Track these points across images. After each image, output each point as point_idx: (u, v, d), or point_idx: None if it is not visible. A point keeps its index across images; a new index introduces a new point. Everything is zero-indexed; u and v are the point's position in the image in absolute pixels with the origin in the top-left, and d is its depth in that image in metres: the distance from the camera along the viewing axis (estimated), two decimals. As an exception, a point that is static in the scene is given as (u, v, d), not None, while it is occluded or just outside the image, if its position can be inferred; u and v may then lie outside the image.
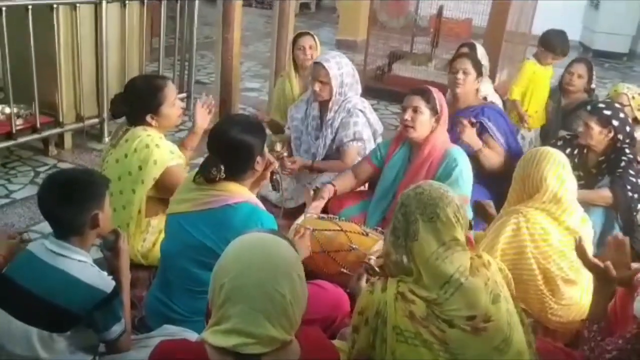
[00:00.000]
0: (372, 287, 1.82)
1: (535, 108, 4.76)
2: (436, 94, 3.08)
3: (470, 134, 3.42)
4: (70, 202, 1.99)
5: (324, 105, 3.70)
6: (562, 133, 3.88)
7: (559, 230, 2.53)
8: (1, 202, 3.64)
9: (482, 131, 3.60)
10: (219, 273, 1.47)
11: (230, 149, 2.27)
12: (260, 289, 1.42)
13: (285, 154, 3.60)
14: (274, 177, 2.55)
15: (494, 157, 3.55)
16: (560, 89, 4.62)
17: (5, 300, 1.98)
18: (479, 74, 3.67)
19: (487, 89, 4.20)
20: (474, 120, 3.51)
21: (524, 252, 2.53)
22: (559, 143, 3.51)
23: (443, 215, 1.76)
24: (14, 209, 3.56)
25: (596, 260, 2.22)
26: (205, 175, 2.28)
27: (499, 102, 4.16)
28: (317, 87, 3.58)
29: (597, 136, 3.25)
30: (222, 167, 2.25)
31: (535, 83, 4.73)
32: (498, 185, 3.49)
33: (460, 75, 3.63)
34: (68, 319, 1.96)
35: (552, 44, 4.68)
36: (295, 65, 4.27)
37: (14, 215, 3.48)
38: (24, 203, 3.64)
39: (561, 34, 4.72)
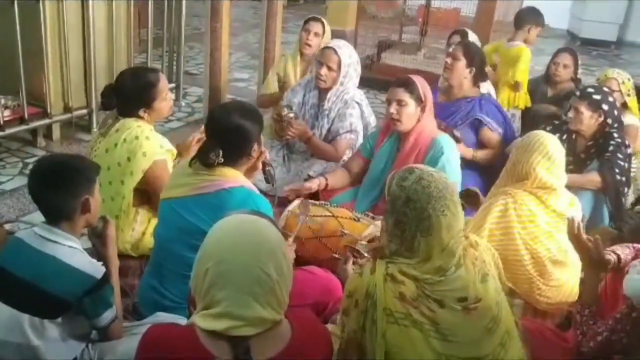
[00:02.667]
0: (361, 269, 1.82)
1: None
2: (419, 82, 3.09)
3: (460, 150, 3.41)
4: (61, 186, 1.99)
5: (322, 94, 3.69)
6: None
7: (545, 212, 2.56)
8: (-10, 193, 3.62)
9: (480, 126, 3.62)
10: (202, 259, 1.46)
11: (229, 133, 2.27)
12: (246, 271, 1.41)
13: (292, 115, 3.55)
14: (267, 168, 2.55)
15: (487, 155, 3.61)
16: (546, 80, 4.63)
17: None
18: (471, 63, 3.64)
19: (488, 84, 4.19)
20: (457, 133, 3.51)
21: (512, 232, 2.55)
22: (548, 129, 3.53)
23: (452, 207, 1.75)
24: (3, 200, 3.54)
25: (588, 240, 2.23)
26: (203, 160, 2.27)
27: (491, 91, 4.16)
28: (323, 71, 3.56)
29: (588, 121, 3.27)
30: (221, 152, 2.24)
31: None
32: (489, 170, 3.52)
33: (448, 60, 3.64)
34: (58, 305, 1.95)
35: (522, 17, 4.79)
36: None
37: (3, 207, 3.46)
38: (13, 194, 3.62)
39: (529, 8, 4.90)
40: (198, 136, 3.00)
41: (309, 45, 4.13)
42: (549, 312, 2.65)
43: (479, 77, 3.71)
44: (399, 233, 1.77)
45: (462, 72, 3.65)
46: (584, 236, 2.22)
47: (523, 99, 4.65)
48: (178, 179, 2.39)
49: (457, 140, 3.47)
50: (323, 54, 3.61)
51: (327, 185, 3.26)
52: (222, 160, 2.25)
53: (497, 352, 1.74)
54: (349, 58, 3.58)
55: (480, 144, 3.66)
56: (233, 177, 2.32)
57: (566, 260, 2.61)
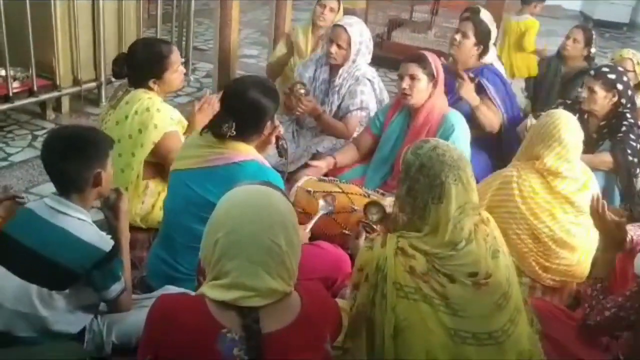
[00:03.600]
0: (371, 243, 1.81)
1: None
2: (431, 58, 3.06)
3: (468, 89, 3.40)
4: (75, 158, 1.98)
5: (334, 70, 3.66)
6: (560, 100, 3.85)
7: (548, 192, 2.55)
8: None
9: (478, 92, 3.55)
10: (211, 229, 1.45)
11: (246, 109, 2.25)
12: (256, 241, 1.40)
13: (303, 91, 3.51)
14: (280, 142, 2.54)
15: (491, 116, 3.52)
16: (558, 57, 4.58)
17: (5, 257, 1.98)
18: (480, 41, 3.60)
19: (491, 56, 4.15)
20: (472, 75, 3.47)
21: (511, 205, 2.56)
22: (560, 109, 3.49)
23: (464, 178, 1.76)
24: (12, 172, 3.55)
25: (612, 216, 2.20)
26: (215, 131, 2.25)
27: (501, 69, 4.12)
28: (333, 49, 3.53)
29: (602, 101, 3.23)
30: (234, 124, 2.22)
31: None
32: (496, 149, 3.50)
33: (457, 37, 3.59)
34: (67, 276, 1.96)
35: None
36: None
37: (13, 178, 3.47)
38: (22, 166, 3.63)
39: None
40: (199, 105, 3.01)
41: (323, 20, 4.09)
42: (558, 289, 2.64)
43: (485, 52, 3.67)
44: (411, 201, 1.77)
45: (470, 50, 3.60)
46: (608, 214, 2.20)
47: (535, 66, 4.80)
48: (188, 151, 2.38)
49: (472, 80, 3.43)
50: (333, 32, 3.57)
51: (335, 164, 3.24)
52: (234, 133, 2.23)
53: (506, 328, 1.74)
54: (360, 36, 3.54)
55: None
56: (245, 151, 2.30)
57: (570, 240, 2.59)
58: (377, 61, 6.19)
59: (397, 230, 1.82)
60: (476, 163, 3.21)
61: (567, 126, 2.55)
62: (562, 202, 2.55)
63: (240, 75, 3.88)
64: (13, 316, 1.96)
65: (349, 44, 3.50)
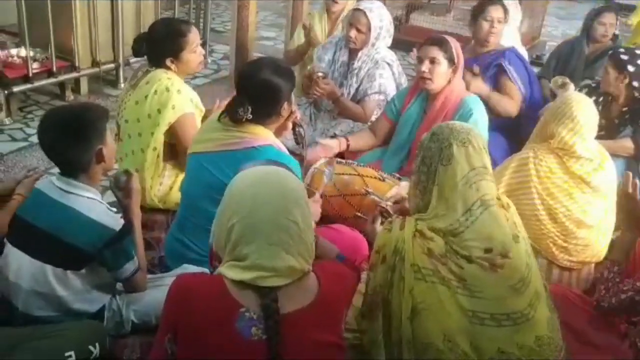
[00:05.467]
0: (390, 225, 1.82)
1: None
2: (452, 43, 3.02)
3: (475, 85, 3.38)
4: (74, 141, 1.97)
5: (353, 53, 3.64)
6: (587, 82, 3.80)
7: (564, 172, 2.54)
8: (20, 145, 3.67)
9: (499, 74, 3.54)
10: (224, 215, 1.45)
11: (260, 90, 2.24)
12: (274, 222, 1.40)
13: (321, 74, 3.51)
14: (297, 129, 2.53)
15: (505, 102, 3.50)
16: (587, 38, 4.50)
17: (19, 238, 2.01)
18: (506, 20, 3.61)
19: (514, 41, 4.10)
20: (476, 69, 3.45)
21: (528, 186, 2.56)
22: (584, 91, 3.46)
23: (475, 142, 1.80)
24: (32, 152, 3.59)
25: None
26: (231, 115, 2.25)
27: (525, 55, 4.07)
28: (352, 34, 3.50)
29: (614, 82, 3.19)
30: (250, 108, 2.22)
31: None
32: (515, 133, 3.47)
33: (496, 25, 3.54)
34: (80, 256, 1.98)
35: None
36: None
37: (33, 159, 3.51)
38: (42, 147, 3.65)
39: None
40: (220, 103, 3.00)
41: (336, 2, 4.07)
42: (575, 270, 2.63)
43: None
44: (424, 168, 1.81)
45: (502, 31, 3.62)
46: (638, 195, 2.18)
47: None
48: (206, 134, 2.38)
49: (474, 74, 3.42)
50: (353, 16, 3.54)
51: (348, 146, 3.23)
52: (251, 116, 2.23)
53: (526, 312, 1.74)
54: (380, 21, 3.51)
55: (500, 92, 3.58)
56: (262, 135, 2.30)
57: (588, 221, 2.58)
58: (394, 44, 6.15)
59: (414, 212, 1.82)
60: (495, 147, 3.21)
61: (580, 105, 2.54)
62: (579, 182, 2.55)
63: (255, 58, 3.88)
64: (31, 296, 1.99)
65: (369, 29, 3.47)
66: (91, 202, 2.01)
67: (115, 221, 2.02)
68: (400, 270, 1.74)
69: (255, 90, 2.24)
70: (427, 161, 1.81)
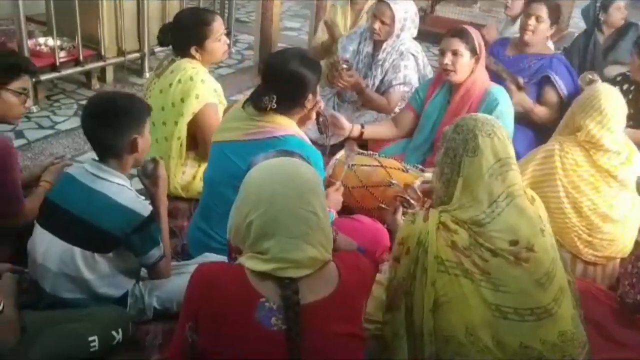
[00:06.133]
0: (414, 217, 1.81)
1: None
2: (474, 33, 2.98)
3: (520, 98, 3.32)
4: (112, 123, 2.02)
5: (377, 44, 3.61)
6: (619, 70, 3.72)
7: (591, 165, 2.49)
8: (47, 133, 3.70)
9: (546, 84, 3.46)
10: (241, 211, 1.44)
11: (286, 80, 2.23)
12: (293, 215, 1.40)
13: (345, 65, 3.50)
14: (320, 118, 2.52)
15: (546, 114, 3.44)
16: (598, 28, 4.42)
17: (49, 221, 2.05)
18: (554, 21, 3.48)
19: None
20: (521, 80, 3.38)
21: (553, 178, 2.51)
22: (618, 79, 3.39)
23: (500, 134, 1.78)
24: (59, 140, 3.63)
25: None
26: (255, 103, 2.25)
27: (550, 46, 3.99)
28: (377, 25, 3.49)
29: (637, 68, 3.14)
30: (275, 97, 2.21)
31: None
32: (542, 126, 3.41)
33: (531, 22, 3.46)
34: (108, 240, 2.01)
35: None
36: None
37: (59, 146, 3.55)
38: (69, 134, 3.70)
39: None
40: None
41: (357, 1, 4.06)
42: (600, 265, 2.59)
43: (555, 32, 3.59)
44: (448, 160, 1.79)
45: (545, 33, 3.50)
46: None
47: None
48: (230, 123, 2.39)
49: (520, 87, 3.35)
50: (377, 8, 3.52)
51: (362, 133, 3.20)
52: (275, 106, 2.22)
53: (550, 307, 1.71)
54: (404, 12, 3.48)
55: (539, 101, 3.51)
56: (285, 125, 2.29)
57: (614, 215, 2.53)
58: (420, 35, 6.11)
59: (438, 204, 1.80)
60: (520, 140, 3.19)
61: (607, 96, 2.49)
62: (605, 175, 2.49)
63: (281, 48, 3.87)
64: (59, 278, 2.03)
65: (393, 21, 3.45)
66: (121, 188, 2.04)
67: (143, 207, 2.05)
68: (423, 263, 1.73)
69: (282, 80, 2.24)
70: (450, 153, 1.79)
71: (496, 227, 1.71)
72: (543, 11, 3.45)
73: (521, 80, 3.38)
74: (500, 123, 1.84)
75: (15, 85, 2.20)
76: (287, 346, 1.36)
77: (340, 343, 1.43)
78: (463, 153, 1.76)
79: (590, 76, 3.40)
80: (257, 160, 1.58)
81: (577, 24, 7.74)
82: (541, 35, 3.51)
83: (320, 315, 1.40)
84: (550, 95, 3.47)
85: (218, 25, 2.89)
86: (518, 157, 3.09)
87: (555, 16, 3.49)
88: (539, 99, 3.50)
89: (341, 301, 1.44)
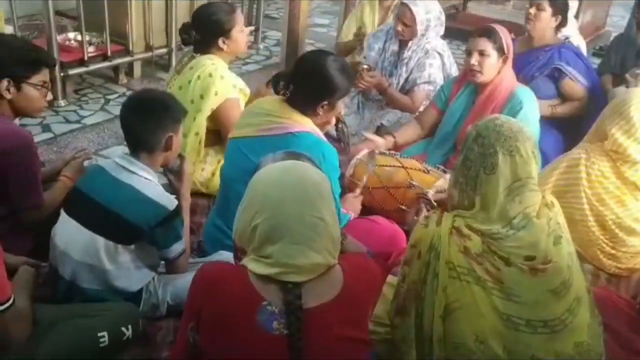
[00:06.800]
0: (427, 220, 1.76)
1: None
2: (501, 32, 2.91)
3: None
4: (152, 118, 2.08)
5: (403, 42, 3.58)
6: None
7: (617, 176, 2.39)
8: (73, 127, 3.75)
9: (560, 76, 3.39)
10: (247, 214, 1.42)
11: (310, 76, 2.22)
12: (300, 221, 1.37)
13: (366, 66, 3.49)
14: (339, 125, 2.50)
15: (569, 110, 3.38)
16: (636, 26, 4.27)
17: (76, 210, 2.08)
18: (558, 12, 3.40)
19: (571, 30, 3.93)
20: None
21: (577, 189, 2.40)
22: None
23: (523, 150, 1.68)
24: (85, 134, 3.67)
25: None
26: (274, 84, 2.27)
27: (582, 45, 3.89)
28: (400, 27, 3.47)
29: None
30: (292, 86, 2.21)
31: None
32: (571, 127, 3.32)
33: (532, 10, 3.40)
34: (132, 232, 2.04)
35: None
36: None
37: (84, 140, 3.59)
38: (94, 128, 3.74)
39: None
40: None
41: None
42: (624, 277, 2.50)
43: (563, 24, 3.47)
44: (465, 171, 1.72)
45: (548, 23, 3.41)
46: None
47: None
48: (246, 119, 2.38)
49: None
50: (399, 10, 3.49)
51: (395, 143, 3.17)
52: (288, 94, 2.22)
53: (564, 318, 1.66)
54: (426, 13, 3.42)
55: (562, 97, 3.44)
56: (301, 122, 2.27)
57: (639, 228, 2.43)
58: (450, 33, 6.02)
59: (453, 208, 1.76)
60: (547, 142, 3.12)
61: (639, 104, 2.37)
62: (632, 188, 2.37)
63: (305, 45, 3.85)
64: (79, 267, 2.06)
65: (415, 22, 3.41)
66: (148, 182, 2.08)
67: (169, 201, 2.08)
68: (435, 267, 1.69)
69: (307, 75, 2.23)
70: (468, 164, 1.71)
71: (511, 243, 1.65)
72: (544, 0, 3.37)
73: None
74: (527, 130, 1.73)
75: (36, 78, 2.22)
76: (289, 351, 1.33)
77: (344, 347, 1.40)
78: (480, 168, 1.68)
79: (638, 70, 3.28)
80: (266, 162, 1.55)
81: (615, 23, 7.55)
82: (543, 25, 3.41)
83: (324, 319, 1.37)
84: (568, 87, 3.40)
85: (239, 15, 2.93)
86: (545, 158, 3.04)
87: (558, 6, 3.39)
88: (559, 94, 3.43)
89: (345, 305, 1.41)
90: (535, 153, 1.71)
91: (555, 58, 3.40)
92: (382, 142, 3.12)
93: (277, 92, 2.25)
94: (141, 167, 2.08)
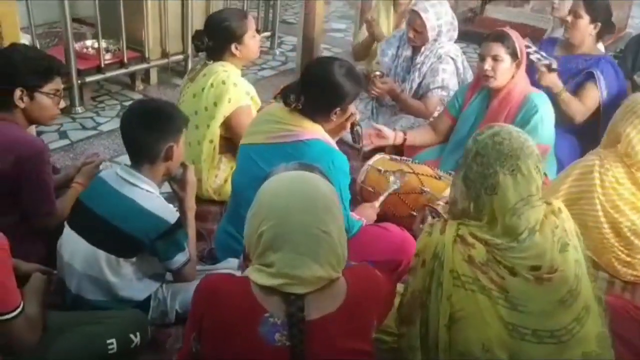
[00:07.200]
0: (431, 228, 1.75)
1: None
2: (515, 36, 2.88)
3: (548, 78, 3.13)
4: (151, 128, 2.06)
5: (416, 47, 3.57)
6: None
7: (632, 182, 2.34)
8: (89, 134, 3.79)
9: (588, 80, 3.31)
10: (254, 220, 1.42)
11: (319, 85, 2.22)
12: (305, 232, 1.37)
13: (378, 73, 3.49)
14: (355, 128, 2.50)
15: (575, 104, 3.24)
16: None
17: (78, 222, 2.09)
18: (595, 18, 3.32)
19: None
20: (554, 64, 3.18)
21: (591, 196, 2.37)
22: None
23: (525, 169, 1.63)
24: (100, 141, 3.71)
25: None
26: (284, 97, 2.24)
27: (601, 49, 3.82)
28: (411, 34, 3.46)
29: None
30: (303, 98, 2.20)
31: None
32: (587, 133, 3.26)
33: (569, 18, 3.35)
34: (133, 245, 2.04)
35: None
36: None
37: (100, 147, 3.62)
38: (110, 135, 3.78)
39: None
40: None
41: (400, 2, 4.03)
42: (638, 283, 2.45)
43: (605, 30, 3.40)
44: (465, 190, 1.69)
45: (586, 30, 3.34)
46: None
47: None
48: (257, 126, 2.39)
49: (551, 69, 3.14)
50: (410, 17, 3.49)
51: (405, 140, 3.13)
52: (300, 107, 2.21)
53: (571, 327, 1.63)
54: (437, 19, 3.40)
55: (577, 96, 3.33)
56: (312, 130, 2.27)
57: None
58: (467, 37, 6.04)
59: (456, 217, 1.74)
60: (562, 148, 3.08)
61: None
62: None
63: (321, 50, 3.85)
64: (83, 280, 2.07)
65: (426, 28, 3.39)
66: (149, 194, 2.07)
67: (171, 214, 2.07)
68: (439, 276, 1.67)
69: (315, 84, 2.23)
70: (468, 183, 1.69)
71: (516, 254, 1.63)
72: (580, 7, 3.30)
73: (554, 63, 3.18)
74: (530, 145, 1.68)
75: (49, 87, 2.25)
76: (291, 363, 1.33)
77: (346, 359, 1.39)
78: (481, 189, 1.65)
79: None
80: (277, 170, 1.55)
81: (637, 25, 7.45)
82: (582, 32, 3.34)
83: (326, 331, 1.37)
84: (588, 89, 3.28)
85: (251, 21, 2.95)
86: (560, 164, 3.02)
87: (597, 12, 3.31)
88: (576, 93, 3.33)
89: (348, 316, 1.40)
90: (539, 167, 1.67)
91: (593, 65, 3.32)
92: (390, 134, 3.07)
93: (288, 105, 2.23)
94: (142, 179, 2.07)
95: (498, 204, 1.64)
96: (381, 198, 2.65)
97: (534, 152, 1.67)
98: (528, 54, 2.99)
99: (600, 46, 3.66)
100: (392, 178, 2.76)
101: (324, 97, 2.24)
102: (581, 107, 3.26)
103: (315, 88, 2.22)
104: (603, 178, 2.36)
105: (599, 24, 3.34)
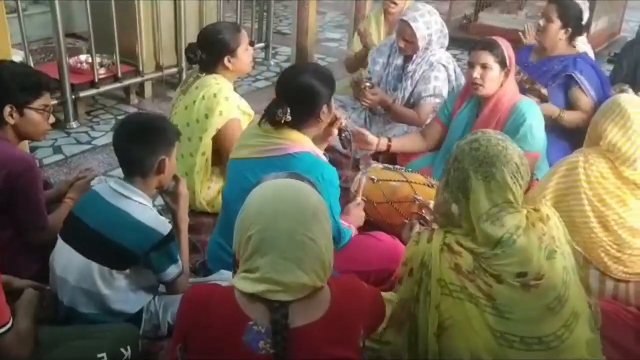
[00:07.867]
0: (418, 237, 1.76)
1: None
2: (503, 44, 2.89)
3: (544, 109, 3.17)
4: (143, 142, 2.07)
5: (407, 56, 3.58)
6: None
7: (616, 176, 2.36)
8: (83, 148, 3.81)
9: (571, 84, 3.36)
10: (243, 225, 1.42)
11: (297, 92, 2.23)
12: (291, 238, 1.37)
13: (369, 84, 3.49)
14: (343, 134, 2.50)
15: (575, 117, 3.31)
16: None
17: (71, 235, 2.10)
18: (566, 24, 3.37)
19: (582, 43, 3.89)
20: (543, 90, 3.26)
21: (578, 191, 2.38)
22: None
23: (499, 176, 1.65)
24: (95, 155, 3.73)
25: None
26: (270, 118, 2.25)
27: (589, 52, 3.85)
28: (402, 44, 3.47)
29: None
30: (289, 110, 2.20)
31: None
32: (580, 139, 3.27)
33: (541, 22, 3.40)
34: (126, 257, 2.04)
35: None
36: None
37: (94, 161, 3.64)
38: (104, 149, 3.79)
39: None
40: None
41: (394, 6, 4.01)
42: (631, 281, 2.45)
43: (576, 34, 3.44)
44: (446, 195, 1.72)
45: (557, 34, 3.39)
46: None
47: None
48: (246, 140, 2.39)
49: (544, 98, 3.23)
50: (399, 27, 3.49)
51: (389, 147, 3.13)
52: (290, 118, 2.21)
53: (560, 334, 1.63)
54: (427, 29, 3.41)
55: (569, 106, 3.38)
56: (300, 142, 2.28)
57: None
58: (461, 43, 6.06)
59: (440, 224, 1.75)
60: (555, 152, 3.07)
61: (630, 101, 2.35)
62: (633, 187, 2.35)
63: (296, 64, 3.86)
64: (77, 292, 2.07)
65: (416, 38, 3.40)
66: (142, 207, 2.08)
67: (163, 226, 2.07)
68: (427, 285, 1.68)
69: (293, 92, 2.24)
70: (448, 188, 1.72)
71: (501, 261, 1.63)
72: (552, 11, 3.36)
73: (544, 91, 3.26)
74: (509, 153, 1.69)
75: (38, 103, 2.26)
76: (275, 371, 1.33)
77: (331, 367, 1.39)
78: (458, 193, 1.69)
79: (622, 87, 3.26)
80: (268, 178, 1.56)
81: (632, 29, 7.46)
82: (553, 37, 3.40)
83: (311, 338, 1.37)
84: (577, 95, 3.35)
85: (244, 35, 2.97)
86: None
87: (568, 18, 3.36)
88: (567, 103, 3.38)
89: (332, 324, 1.41)
90: (518, 177, 1.68)
91: (570, 67, 3.37)
92: (373, 139, 3.06)
93: (278, 122, 2.23)
94: (135, 191, 2.08)
95: (472, 208, 1.66)
96: (360, 190, 2.64)
97: (512, 160, 1.68)
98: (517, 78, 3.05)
99: (581, 43, 3.67)
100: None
101: (307, 99, 2.25)
102: (582, 115, 3.30)
103: (294, 94, 2.23)
104: (588, 173, 2.38)
105: (570, 29, 3.39)
